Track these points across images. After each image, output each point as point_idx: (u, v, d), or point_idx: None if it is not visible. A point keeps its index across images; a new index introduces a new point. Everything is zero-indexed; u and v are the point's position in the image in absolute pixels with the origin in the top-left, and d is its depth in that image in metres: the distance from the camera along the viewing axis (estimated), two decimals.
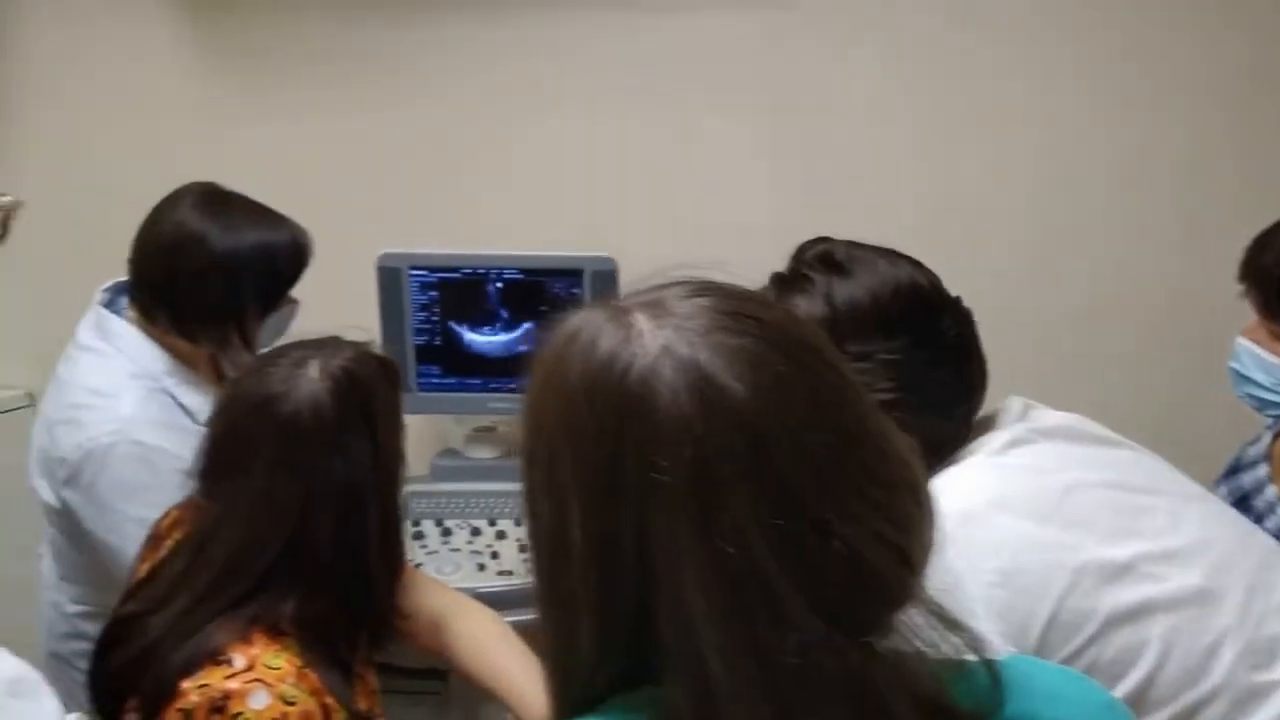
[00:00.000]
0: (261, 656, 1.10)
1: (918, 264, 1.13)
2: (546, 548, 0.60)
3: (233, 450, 1.15)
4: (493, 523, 1.90)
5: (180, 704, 1.07)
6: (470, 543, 1.85)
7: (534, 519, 0.61)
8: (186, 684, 1.08)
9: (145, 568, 1.25)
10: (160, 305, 1.50)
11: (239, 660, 1.09)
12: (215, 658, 1.09)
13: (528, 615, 0.67)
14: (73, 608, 1.63)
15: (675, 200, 2.03)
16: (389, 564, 1.21)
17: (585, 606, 0.57)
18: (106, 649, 1.14)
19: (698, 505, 0.54)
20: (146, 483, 1.47)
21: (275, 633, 1.14)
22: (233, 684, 1.07)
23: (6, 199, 0.65)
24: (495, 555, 1.81)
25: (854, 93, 1.99)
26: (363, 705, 1.22)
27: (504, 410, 1.99)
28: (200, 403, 1.56)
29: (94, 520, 1.50)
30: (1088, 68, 1.98)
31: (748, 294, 0.62)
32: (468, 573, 1.75)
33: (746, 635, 0.53)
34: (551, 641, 0.62)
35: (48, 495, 1.55)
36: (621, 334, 0.57)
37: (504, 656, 1.32)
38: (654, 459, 0.54)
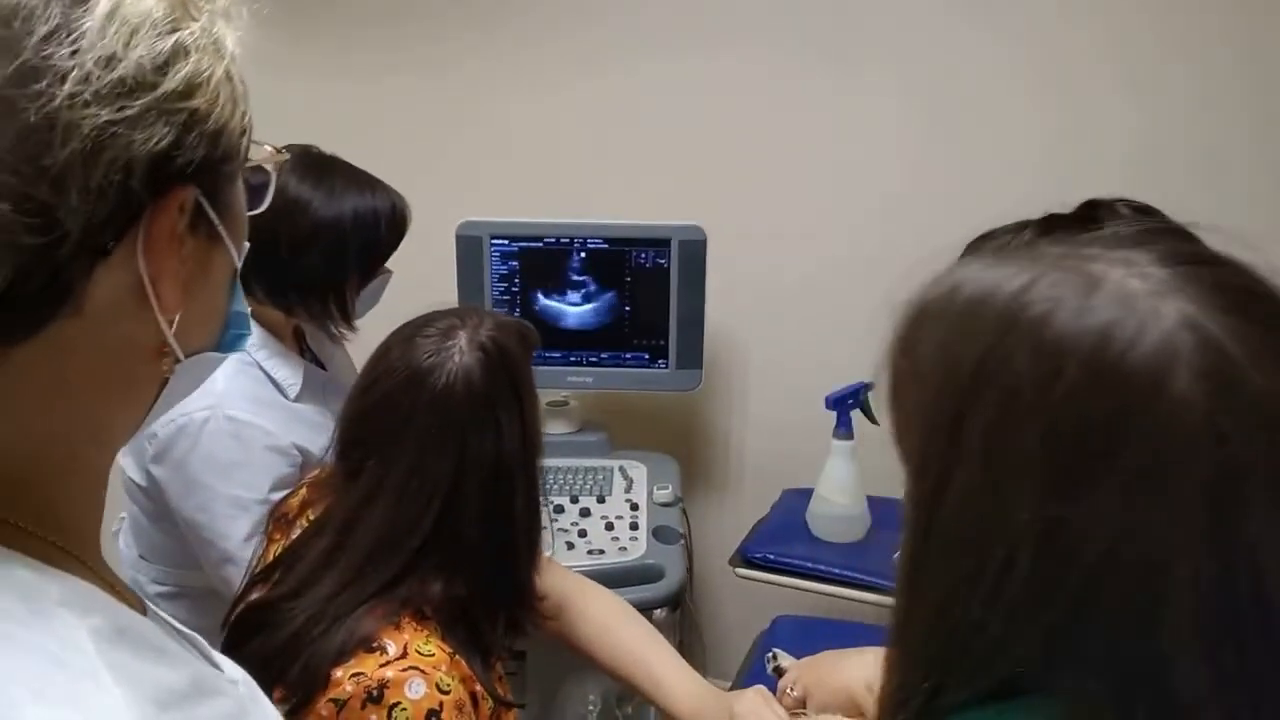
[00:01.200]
0: (413, 643, 1.05)
1: None
2: (955, 525, 0.54)
3: (381, 425, 1.08)
4: (575, 499, 1.85)
5: (333, 693, 1.01)
6: (555, 520, 1.80)
7: (936, 491, 0.55)
8: (339, 672, 1.02)
9: (273, 550, 1.19)
10: (258, 275, 1.43)
11: (392, 647, 1.04)
12: (368, 644, 1.03)
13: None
14: (153, 588, 1.56)
15: (763, 171, 1.96)
16: (531, 542, 1.16)
17: (1000, 597, 0.52)
18: (245, 636, 1.07)
19: (1210, 517, 0.47)
20: (238, 460, 1.41)
21: (421, 617, 1.08)
22: (388, 672, 1.02)
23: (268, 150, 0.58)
24: (583, 534, 1.76)
25: (968, 60, 1.93)
26: (500, 691, 1.16)
27: (580, 385, 1.93)
28: (290, 376, 1.49)
29: (182, 498, 1.43)
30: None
31: (1242, 265, 0.52)
32: (557, 553, 1.70)
33: (1235, 667, 0.47)
34: (921, 627, 0.56)
35: (133, 471, 1.48)
36: (1116, 297, 0.49)
37: (633, 638, 1.27)
38: (1158, 454, 0.47)
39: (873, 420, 1.68)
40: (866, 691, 1.04)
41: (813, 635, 1.32)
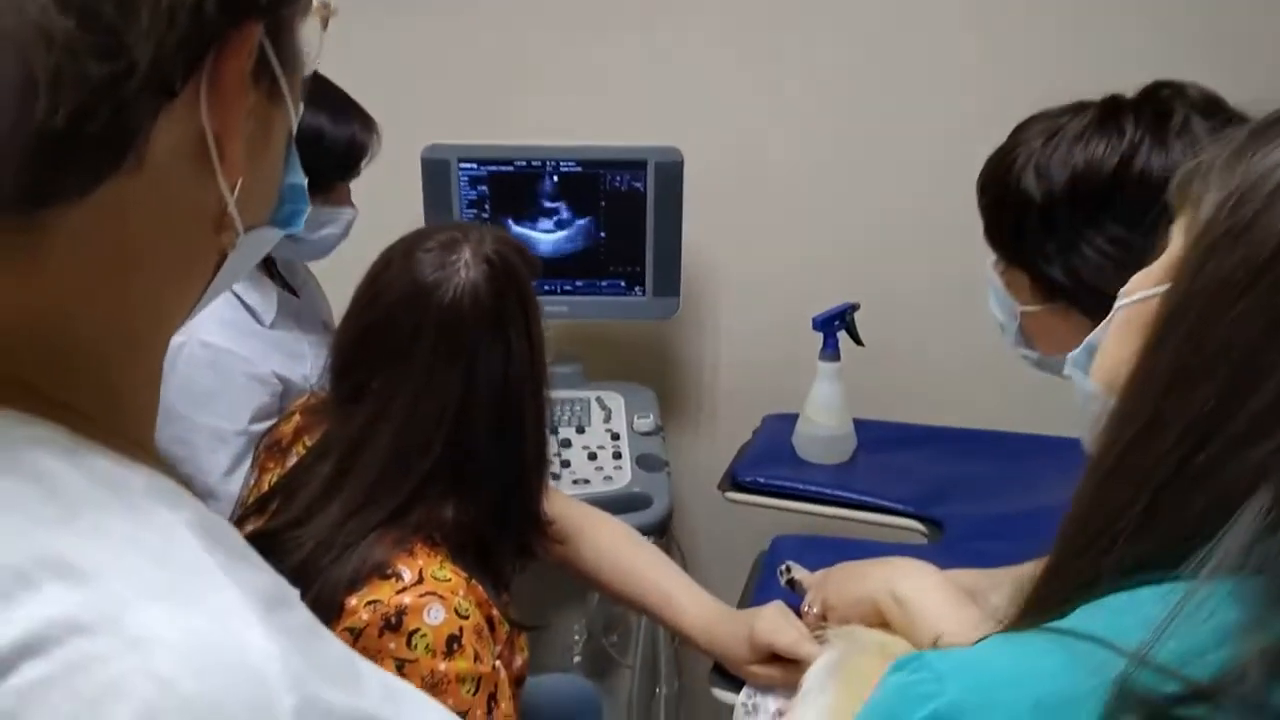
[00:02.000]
0: (428, 568, 1.00)
1: None
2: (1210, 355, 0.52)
3: (384, 345, 1.02)
4: (554, 431, 1.81)
5: (348, 622, 0.97)
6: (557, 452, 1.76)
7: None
8: (353, 600, 0.97)
9: (267, 479, 1.13)
10: None
11: (407, 573, 0.99)
12: (382, 571, 0.99)
13: None
14: None
15: (741, 90, 1.91)
16: (541, 464, 1.12)
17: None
18: None
19: None
20: (216, 389, 1.34)
21: (432, 543, 1.04)
22: (405, 598, 0.97)
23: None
24: (567, 464, 1.72)
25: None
26: (514, 616, 1.13)
27: (554, 314, 1.88)
28: (263, 302, 1.43)
29: (158, 430, 1.36)
30: None
31: None
32: None
33: None
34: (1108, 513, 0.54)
35: None
36: None
37: (642, 561, 1.24)
38: None
39: (858, 341, 1.67)
40: (892, 601, 1.03)
41: (815, 552, 1.31)
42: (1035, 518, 1.45)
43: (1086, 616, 0.53)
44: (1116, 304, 0.70)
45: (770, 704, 1.07)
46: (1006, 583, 1.13)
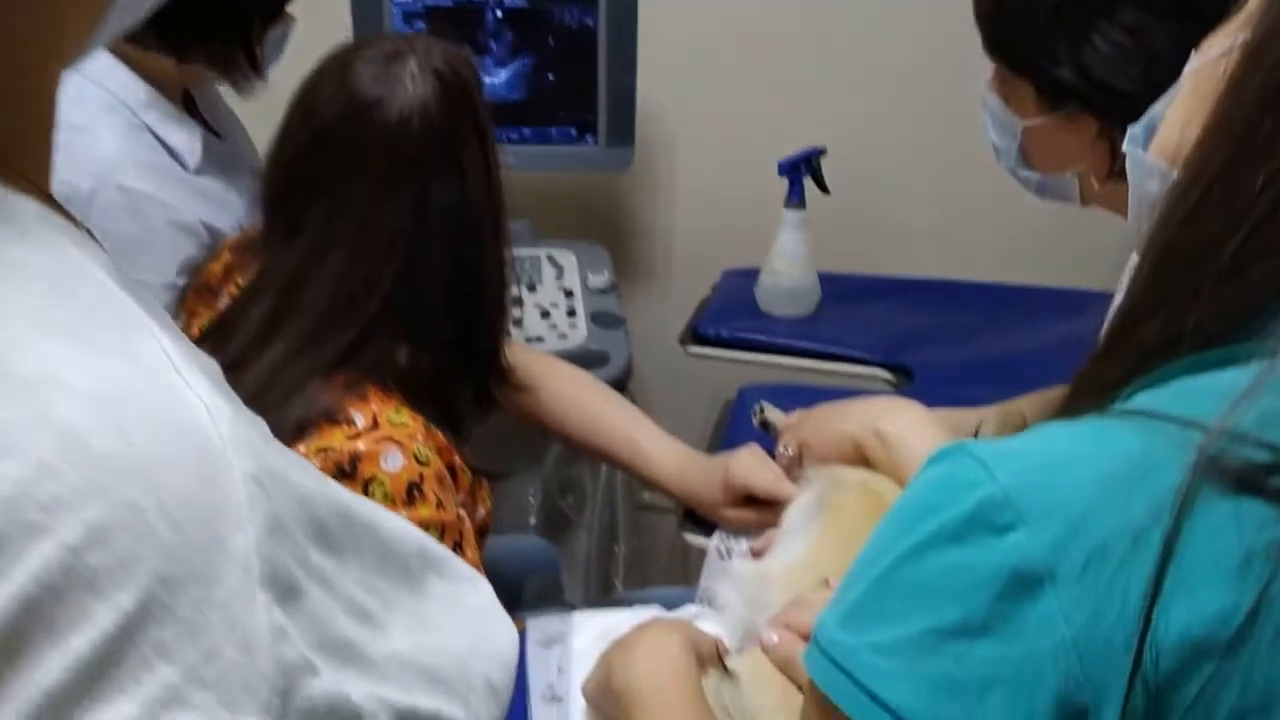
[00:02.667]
0: (383, 413, 0.93)
1: None
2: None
3: (322, 170, 0.92)
4: (516, 275, 1.72)
5: None
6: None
7: None
8: (301, 448, 0.90)
9: (197, 324, 1.03)
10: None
11: (360, 418, 0.92)
12: (331, 417, 0.91)
13: None
14: None
15: None
16: (501, 304, 1.04)
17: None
18: None
19: None
20: (138, 238, 1.22)
21: (384, 388, 0.96)
22: (360, 444, 0.90)
23: None
24: (518, 323, 1.65)
25: None
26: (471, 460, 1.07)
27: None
28: (187, 143, 1.29)
29: None
30: None
31: None
32: None
33: None
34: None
35: None
36: None
37: (607, 409, 1.19)
38: None
39: (823, 189, 1.60)
40: (875, 438, 0.98)
41: (786, 399, 1.26)
42: (1011, 363, 1.42)
43: (1151, 399, 0.47)
44: (1188, 66, 0.63)
45: (745, 548, 1.03)
46: (993, 418, 1.10)
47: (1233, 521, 0.42)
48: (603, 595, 1.75)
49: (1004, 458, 0.46)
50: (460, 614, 0.43)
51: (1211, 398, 0.44)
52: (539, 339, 1.62)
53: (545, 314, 1.68)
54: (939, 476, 0.48)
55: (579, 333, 1.64)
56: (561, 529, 1.82)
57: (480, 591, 0.46)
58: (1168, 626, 0.41)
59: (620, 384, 1.61)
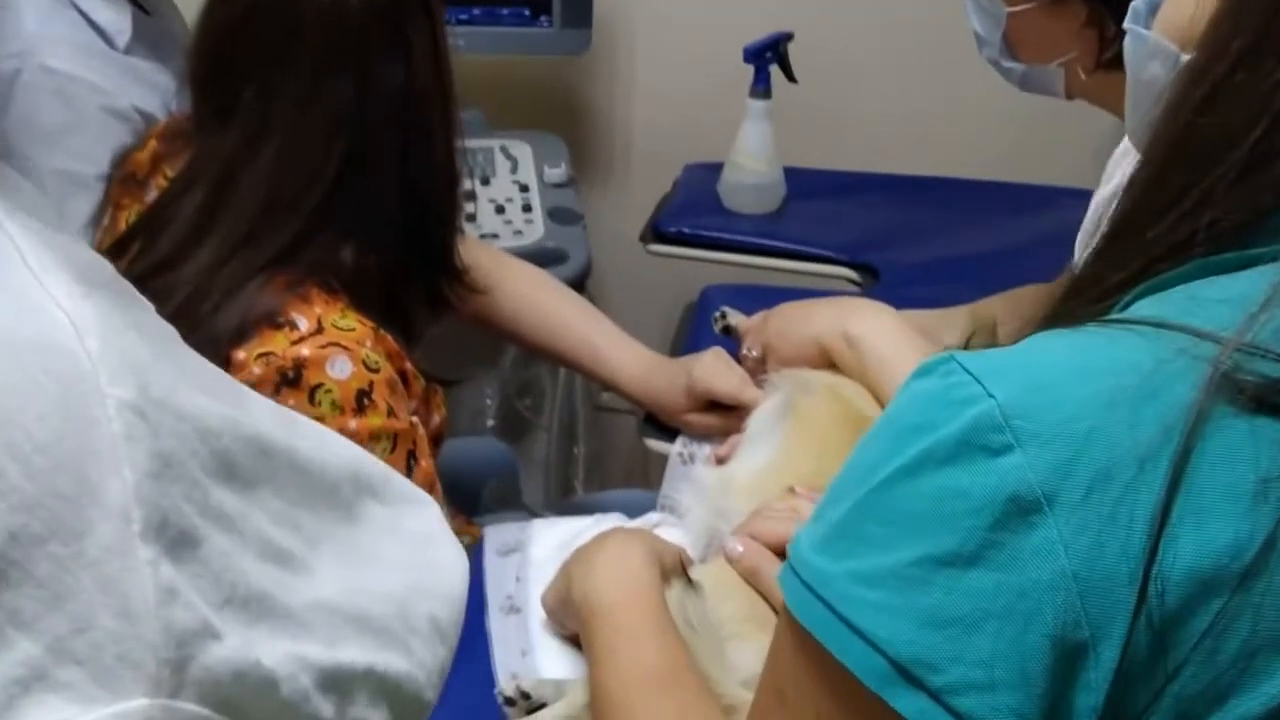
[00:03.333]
0: (327, 316, 0.88)
1: None
2: None
3: (255, 48, 0.85)
4: (469, 168, 1.65)
5: (238, 378, 0.84)
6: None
7: None
8: (241, 354, 0.85)
9: (124, 218, 0.96)
10: None
11: (303, 322, 0.87)
12: (272, 320, 0.86)
13: None
14: None
15: None
16: (453, 197, 0.98)
17: None
18: None
19: None
20: (65, 124, 1.14)
21: (329, 289, 0.91)
22: (304, 350, 0.85)
23: None
24: (471, 218, 1.57)
25: None
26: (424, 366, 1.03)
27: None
28: (116, 20, 1.20)
29: None
30: None
31: None
32: None
33: None
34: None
35: None
36: None
37: (566, 311, 1.14)
38: None
39: (790, 77, 1.53)
40: (843, 341, 0.95)
41: (749, 301, 1.22)
42: (981, 262, 1.39)
43: (1154, 306, 0.43)
44: None
45: (709, 452, 1.00)
46: (963, 319, 1.07)
47: (1248, 444, 0.38)
48: (562, 498, 1.73)
49: (1000, 372, 0.42)
50: (402, 542, 0.39)
51: (1225, 306, 0.41)
52: (494, 235, 1.55)
53: (500, 209, 1.61)
54: (928, 391, 0.44)
55: (535, 229, 1.58)
56: (520, 431, 1.79)
57: (425, 515, 0.42)
58: (1175, 558, 0.38)
59: (579, 283, 1.56)
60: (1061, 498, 0.39)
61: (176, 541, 0.29)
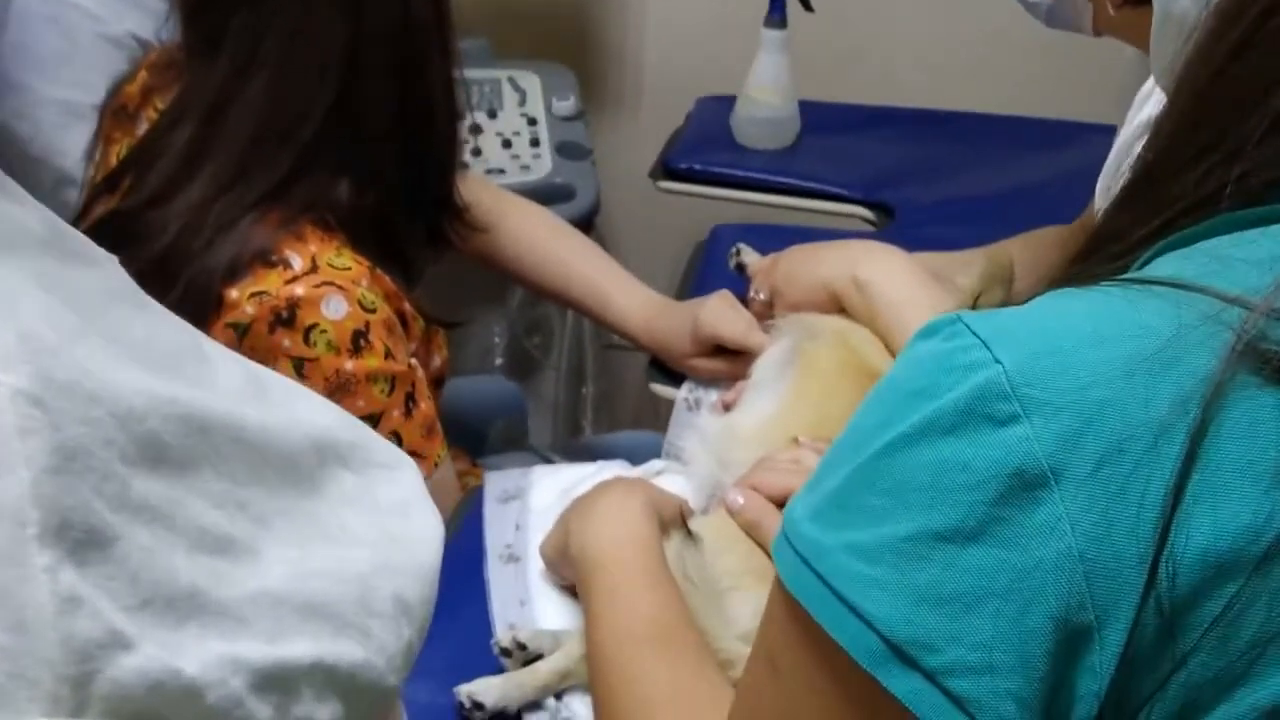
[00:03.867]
0: (322, 254, 0.86)
1: None
2: None
3: None
4: (468, 103, 1.61)
5: (230, 317, 0.83)
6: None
7: None
8: (234, 292, 0.83)
9: (115, 152, 0.94)
10: None
11: (297, 260, 0.84)
12: (266, 258, 0.84)
13: None
14: None
15: None
16: (452, 131, 0.95)
17: None
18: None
19: None
20: (61, 52, 1.11)
21: (325, 227, 0.88)
22: (297, 289, 0.83)
23: None
24: (478, 153, 1.54)
25: None
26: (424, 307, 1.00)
27: None
28: None
29: None
30: None
31: None
32: None
33: None
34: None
35: None
36: None
37: (570, 251, 1.11)
38: None
39: (807, 6, 1.48)
40: (853, 286, 0.92)
41: (761, 239, 1.19)
42: (1001, 200, 1.35)
43: (1176, 265, 0.40)
44: None
45: (714, 399, 0.98)
46: (979, 264, 1.04)
47: (1272, 419, 0.36)
48: (570, 439, 1.72)
49: (1008, 335, 0.39)
50: (370, 513, 0.36)
51: (1253, 268, 0.38)
52: (500, 171, 1.52)
53: (507, 143, 1.57)
54: (931, 354, 0.41)
55: (543, 164, 1.54)
56: (528, 370, 1.77)
57: (400, 480, 0.39)
58: (1188, 539, 0.36)
59: (587, 220, 1.53)
60: (1069, 472, 0.37)
61: (82, 543, 0.26)
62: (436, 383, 1.04)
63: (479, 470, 1.19)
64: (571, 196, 1.51)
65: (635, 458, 1.34)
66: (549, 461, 1.27)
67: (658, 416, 1.66)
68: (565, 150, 1.56)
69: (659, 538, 0.67)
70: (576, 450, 1.33)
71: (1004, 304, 0.96)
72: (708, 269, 1.19)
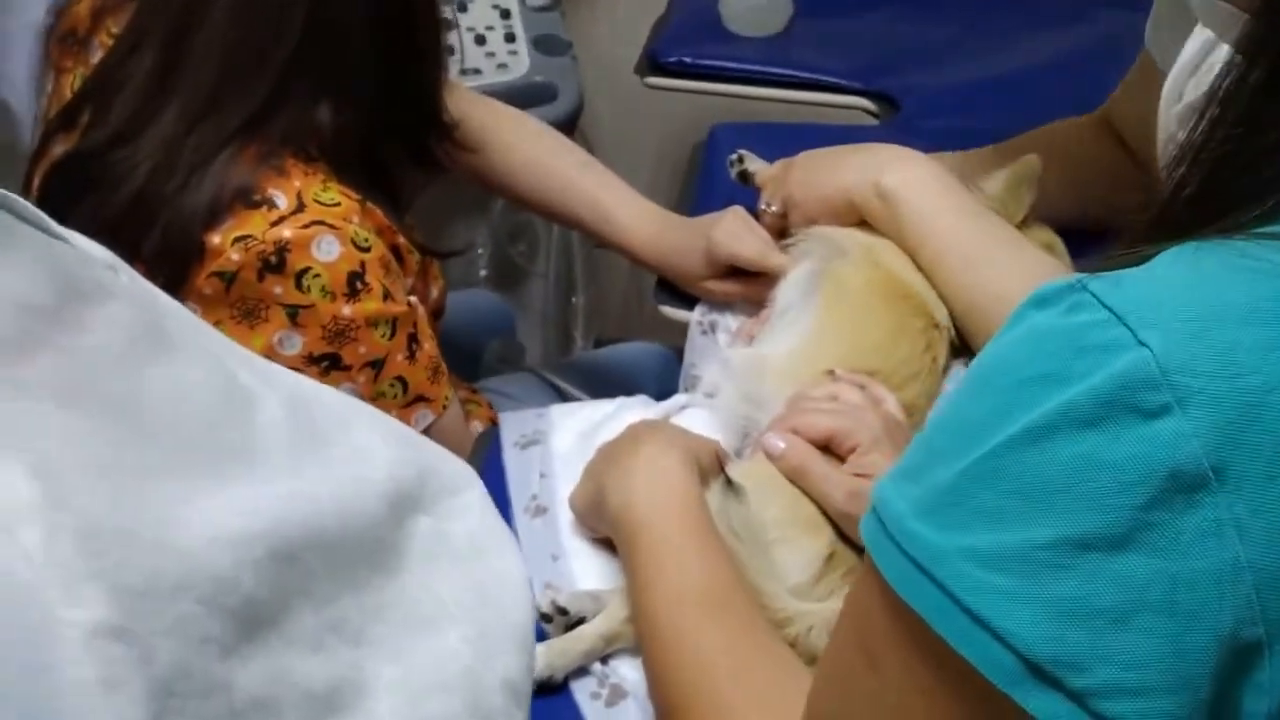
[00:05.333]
0: (308, 190, 0.79)
1: None
2: None
3: None
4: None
5: (215, 265, 0.76)
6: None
7: None
8: (216, 238, 0.76)
9: (68, 83, 0.85)
10: None
11: (282, 199, 0.77)
12: (248, 198, 0.77)
13: None
14: None
15: None
16: (435, 43, 0.87)
17: None
18: (66, 202, 0.77)
19: None
20: None
21: (308, 158, 0.81)
22: (285, 231, 0.76)
23: None
24: (451, 51, 1.44)
25: None
26: (422, 240, 0.94)
27: None
28: None
29: None
30: None
31: None
32: None
33: None
34: None
35: None
36: None
37: (567, 166, 1.04)
38: None
39: None
40: (875, 196, 0.86)
41: (763, 141, 1.12)
42: (1011, 85, 1.28)
43: None
44: None
45: (731, 322, 0.93)
46: (1001, 168, 0.98)
47: None
48: (564, 355, 1.66)
49: (1148, 309, 0.34)
50: (452, 564, 0.32)
51: None
52: (475, 71, 1.43)
53: (480, 39, 1.47)
54: (1055, 330, 0.36)
55: (521, 62, 1.45)
56: (514, 280, 1.71)
57: (469, 504, 0.35)
58: None
59: (570, 122, 1.44)
60: (1233, 470, 0.32)
61: None
62: (435, 314, 0.98)
63: (480, 398, 1.15)
64: (553, 97, 1.42)
65: (640, 374, 1.30)
66: (551, 385, 1.22)
67: (645, 322, 1.61)
68: (542, 45, 1.47)
69: (701, 492, 0.64)
70: (578, 371, 1.28)
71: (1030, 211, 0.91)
72: (710, 176, 1.12)
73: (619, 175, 1.10)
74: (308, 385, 0.34)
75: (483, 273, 1.64)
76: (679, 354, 1.02)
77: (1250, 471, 0.32)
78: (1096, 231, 0.98)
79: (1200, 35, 0.72)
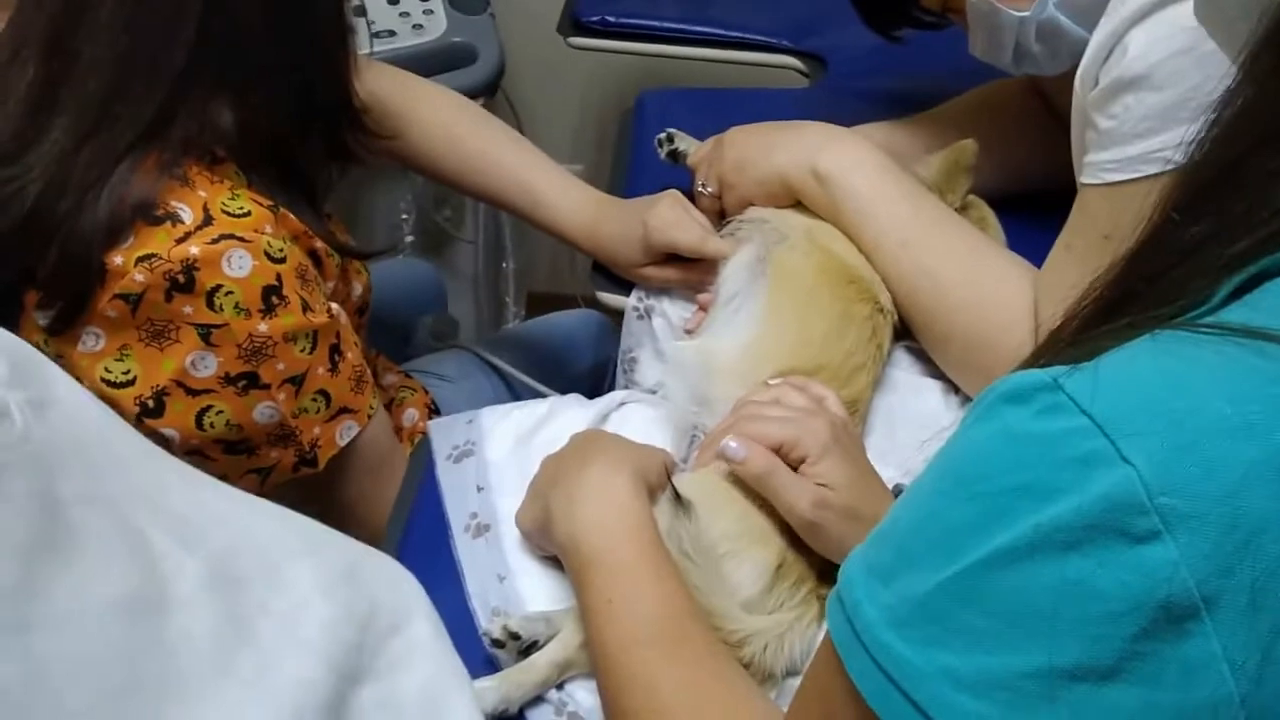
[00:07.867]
0: (215, 200, 0.74)
1: None
2: None
3: None
4: None
5: (118, 288, 0.71)
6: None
7: None
8: (118, 258, 0.71)
9: None
10: None
11: (187, 212, 0.72)
12: (149, 214, 0.71)
13: None
14: None
15: None
16: (341, 28, 0.81)
17: None
18: None
19: None
20: None
21: (213, 162, 0.76)
22: (192, 247, 0.72)
23: None
24: (362, 12, 1.37)
25: None
26: (342, 237, 0.89)
27: None
28: None
29: None
30: None
31: None
32: None
33: None
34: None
35: None
36: None
37: (492, 145, 0.99)
38: None
39: None
40: (812, 178, 0.84)
41: (692, 110, 1.09)
42: (940, 40, 1.26)
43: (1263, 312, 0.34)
44: None
45: (667, 307, 0.91)
46: (936, 149, 0.95)
47: None
48: (498, 329, 1.63)
49: (1128, 417, 0.32)
50: None
51: None
52: (389, 33, 1.36)
53: (393, 0, 1.41)
54: (1030, 436, 0.34)
55: (437, 22, 1.39)
56: (442, 246, 1.66)
57: (417, 663, 0.32)
58: None
59: (492, 86, 1.39)
60: (1224, 601, 0.31)
61: None
62: (360, 311, 0.94)
63: (415, 382, 1.11)
64: (473, 59, 1.37)
65: (576, 346, 1.28)
66: (487, 363, 1.19)
67: (575, 275, 1.56)
68: (459, 3, 1.41)
69: (650, 515, 0.62)
70: (513, 345, 1.25)
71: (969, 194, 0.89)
72: (642, 147, 1.08)
73: (546, 141, 1.05)
74: (235, 526, 0.30)
75: (409, 238, 1.58)
76: (615, 320, 0.99)
77: (1239, 603, 0.31)
78: (1025, 192, 0.97)
79: (1108, 24, 0.70)
